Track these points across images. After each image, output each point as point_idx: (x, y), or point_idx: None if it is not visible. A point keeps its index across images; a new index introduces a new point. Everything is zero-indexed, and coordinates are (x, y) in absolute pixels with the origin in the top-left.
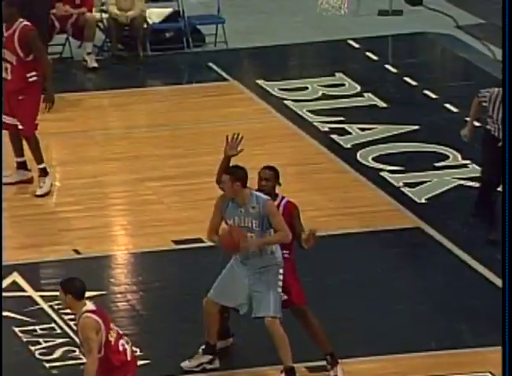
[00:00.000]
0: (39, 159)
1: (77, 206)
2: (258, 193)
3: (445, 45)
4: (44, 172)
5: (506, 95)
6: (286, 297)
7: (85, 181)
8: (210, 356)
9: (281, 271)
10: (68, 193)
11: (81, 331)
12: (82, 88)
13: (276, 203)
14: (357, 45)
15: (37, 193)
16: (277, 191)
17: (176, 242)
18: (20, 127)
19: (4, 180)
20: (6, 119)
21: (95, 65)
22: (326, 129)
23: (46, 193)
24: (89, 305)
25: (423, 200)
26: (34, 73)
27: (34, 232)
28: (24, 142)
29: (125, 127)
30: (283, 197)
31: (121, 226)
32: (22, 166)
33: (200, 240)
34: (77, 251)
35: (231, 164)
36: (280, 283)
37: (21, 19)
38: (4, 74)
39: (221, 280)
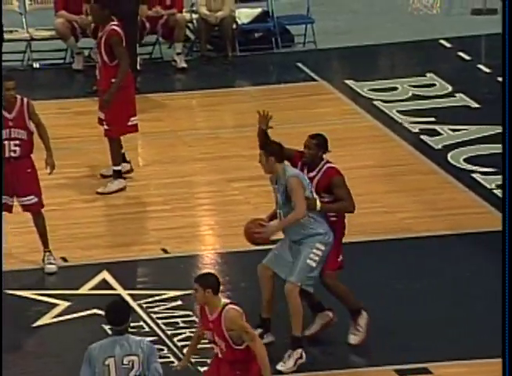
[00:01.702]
0: (117, 161)
1: (165, 206)
2: (290, 168)
3: None
4: (117, 175)
5: (506, 95)
6: None
7: (173, 180)
8: (260, 330)
9: (319, 246)
10: (157, 192)
11: (233, 324)
12: (171, 89)
13: (317, 169)
14: (449, 45)
15: (99, 190)
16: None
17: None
18: (106, 127)
19: (103, 172)
20: (99, 114)
21: (185, 65)
22: (417, 130)
23: (107, 192)
24: (224, 299)
25: None
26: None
27: (124, 231)
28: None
29: (213, 127)
30: (326, 162)
31: (208, 226)
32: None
33: None
34: (165, 251)
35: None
36: (315, 257)
37: (113, 22)
38: (97, 72)
39: (274, 248)
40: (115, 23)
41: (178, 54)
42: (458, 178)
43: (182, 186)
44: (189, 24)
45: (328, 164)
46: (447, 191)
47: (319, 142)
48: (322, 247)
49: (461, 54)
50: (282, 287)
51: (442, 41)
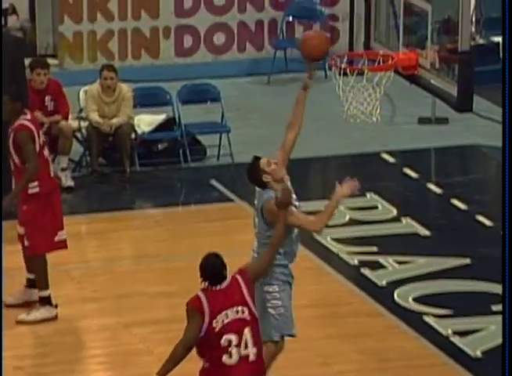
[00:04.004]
0: (44, 284)
1: (45, 359)
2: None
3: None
4: (45, 301)
5: (506, 94)
6: None
7: (57, 327)
8: None
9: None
10: (39, 341)
11: None
12: None
13: None
14: (392, 160)
15: (19, 317)
16: None
17: None
18: (27, 243)
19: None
20: (18, 229)
21: (71, 184)
22: (356, 262)
23: (28, 321)
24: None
25: (478, 354)
26: (35, 183)
27: None
28: None
29: (107, 259)
30: None
31: None
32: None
33: None
34: None
35: None
36: None
37: (25, 116)
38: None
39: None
40: (28, 117)
41: (63, 170)
42: (407, 322)
43: (68, 332)
44: (77, 134)
45: None
46: (394, 337)
47: None
48: None
49: (407, 171)
50: None
51: (384, 155)
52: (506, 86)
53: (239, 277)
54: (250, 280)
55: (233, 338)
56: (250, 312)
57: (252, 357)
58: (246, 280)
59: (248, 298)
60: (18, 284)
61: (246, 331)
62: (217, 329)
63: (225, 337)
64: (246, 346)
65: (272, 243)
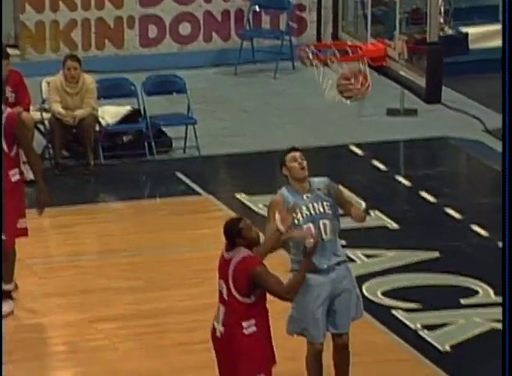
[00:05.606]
0: (9, 277)
1: (11, 356)
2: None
3: (471, 152)
4: (7, 296)
5: (506, 94)
6: None
7: (20, 323)
8: None
9: None
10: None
11: None
12: None
13: None
14: (360, 152)
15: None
16: None
17: None
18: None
19: None
20: None
21: (33, 177)
22: None
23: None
24: None
25: (446, 348)
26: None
27: None
28: None
29: (71, 253)
30: None
31: None
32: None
33: None
34: None
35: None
36: None
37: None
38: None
39: None
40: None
41: (25, 163)
42: (375, 316)
43: (31, 330)
44: (40, 125)
45: None
46: (363, 332)
47: None
48: None
49: (375, 163)
50: None
51: (353, 148)
52: (507, 86)
53: (241, 262)
54: (247, 273)
55: (219, 306)
56: (229, 293)
57: (218, 334)
58: (243, 269)
59: (231, 281)
60: None
61: (222, 308)
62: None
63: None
64: (218, 321)
65: (290, 283)
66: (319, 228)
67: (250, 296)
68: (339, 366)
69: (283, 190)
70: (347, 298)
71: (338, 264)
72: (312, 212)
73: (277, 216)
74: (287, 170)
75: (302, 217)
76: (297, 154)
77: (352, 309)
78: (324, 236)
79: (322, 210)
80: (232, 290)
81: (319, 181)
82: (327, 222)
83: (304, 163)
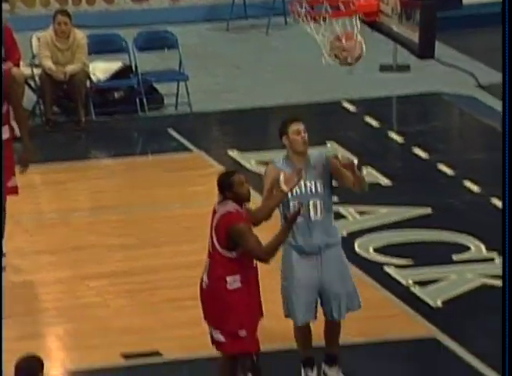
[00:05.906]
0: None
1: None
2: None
3: (464, 108)
4: None
5: (506, 94)
6: None
7: (11, 279)
8: None
9: None
10: None
11: None
12: None
13: None
14: (353, 108)
15: None
16: None
17: (126, 356)
18: None
19: None
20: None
21: None
22: None
23: None
24: None
25: (438, 303)
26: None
27: None
28: None
29: (62, 210)
30: None
31: (56, 337)
32: None
33: (156, 353)
34: None
35: None
36: None
37: None
38: None
39: None
40: None
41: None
42: (367, 273)
43: (22, 287)
44: (30, 81)
45: None
46: None
47: None
48: None
49: (368, 119)
50: None
51: (345, 104)
52: (507, 86)
53: (224, 215)
54: (227, 227)
55: (206, 259)
56: (213, 246)
57: (204, 285)
58: (225, 222)
59: (214, 233)
60: None
61: (207, 260)
62: None
63: None
64: (205, 273)
65: (269, 244)
66: (308, 208)
67: (232, 251)
68: (328, 334)
69: (280, 163)
70: (339, 286)
71: (329, 247)
72: (303, 191)
73: (281, 177)
74: (288, 141)
75: (291, 194)
76: (301, 127)
77: (348, 299)
78: (314, 215)
79: (313, 189)
80: (215, 242)
81: (316, 156)
82: (318, 201)
83: (306, 136)
